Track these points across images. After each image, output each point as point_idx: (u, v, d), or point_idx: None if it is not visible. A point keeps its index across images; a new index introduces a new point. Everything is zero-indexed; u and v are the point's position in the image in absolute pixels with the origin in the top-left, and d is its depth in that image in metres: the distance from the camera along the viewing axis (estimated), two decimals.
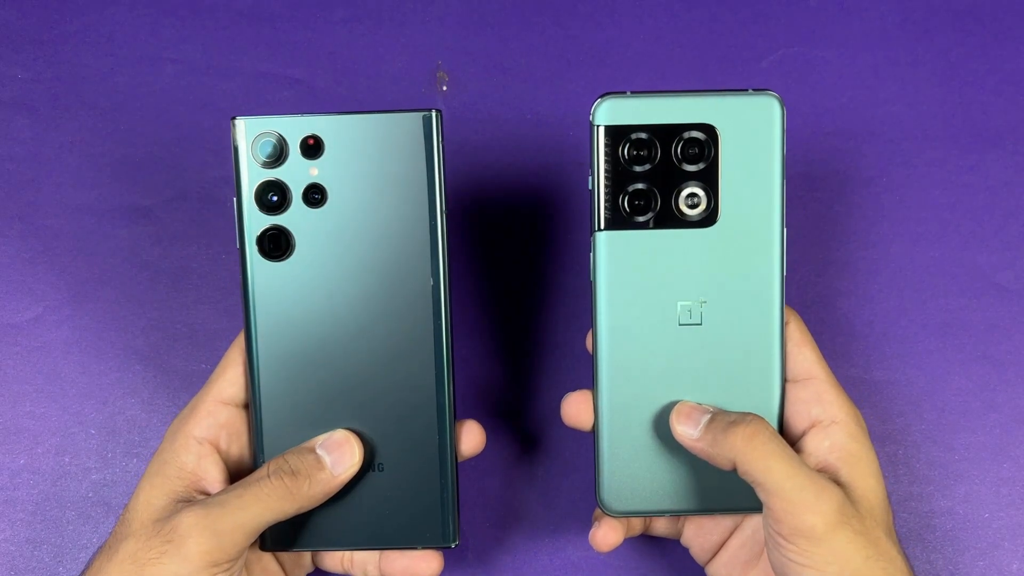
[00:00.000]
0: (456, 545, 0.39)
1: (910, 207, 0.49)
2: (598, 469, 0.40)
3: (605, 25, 0.52)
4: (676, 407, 0.39)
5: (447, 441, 0.39)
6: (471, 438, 0.40)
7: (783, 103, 0.38)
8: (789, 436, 0.40)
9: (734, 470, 0.37)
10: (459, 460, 0.40)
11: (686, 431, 0.38)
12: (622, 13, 0.52)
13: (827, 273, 0.49)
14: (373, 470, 0.39)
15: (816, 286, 0.49)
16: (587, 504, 0.47)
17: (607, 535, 0.41)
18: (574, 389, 0.40)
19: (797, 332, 0.40)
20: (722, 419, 0.37)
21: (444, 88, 0.51)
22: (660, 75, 0.51)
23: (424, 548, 0.39)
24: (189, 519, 0.35)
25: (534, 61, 0.51)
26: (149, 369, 0.48)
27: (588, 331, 0.41)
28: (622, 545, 0.47)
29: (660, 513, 0.40)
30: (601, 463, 0.40)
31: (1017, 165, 0.50)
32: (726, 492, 0.39)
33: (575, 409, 0.40)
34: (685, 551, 0.44)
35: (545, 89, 0.51)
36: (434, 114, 0.37)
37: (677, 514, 0.40)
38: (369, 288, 0.38)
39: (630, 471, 0.40)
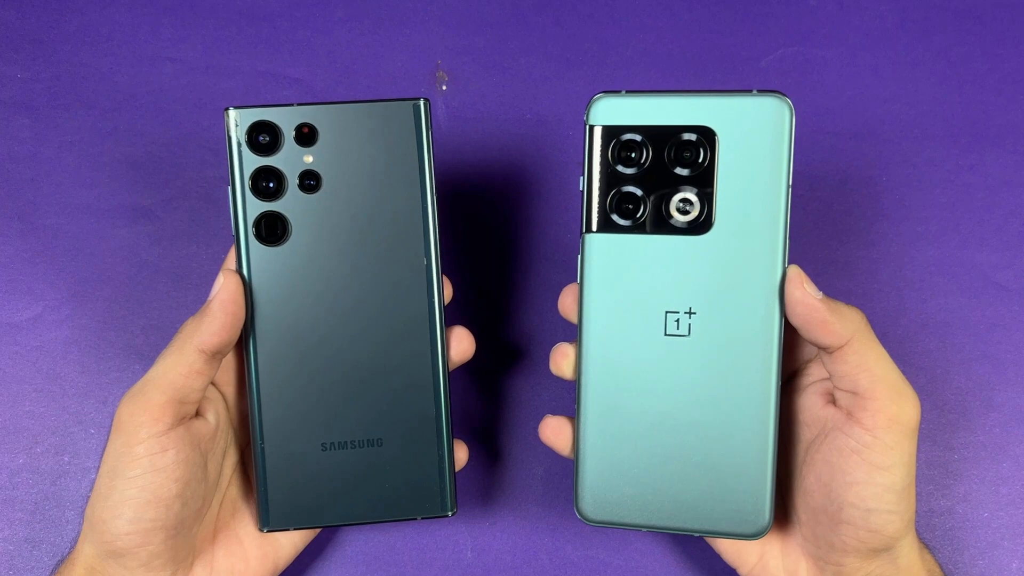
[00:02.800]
0: (454, 513, 0.40)
1: (910, 207, 0.49)
2: (577, 475, 0.39)
3: (605, 25, 0.52)
4: (791, 271, 0.36)
5: (443, 414, 0.40)
6: (460, 344, 0.41)
7: (792, 106, 0.36)
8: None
9: (823, 349, 0.36)
10: (450, 368, 0.40)
11: (811, 290, 0.36)
12: (622, 13, 0.52)
13: (827, 273, 0.49)
14: (373, 445, 0.40)
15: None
16: None
17: (555, 431, 0.40)
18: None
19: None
20: (833, 301, 0.37)
21: (444, 88, 0.51)
22: (660, 75, 0.51)
23: (423, 518, 0.40)
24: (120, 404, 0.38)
25: (534, 61, 0.51)
26: (148, 368, 0.48)
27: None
28: (622, 544, 0.47)
29: (637, 527, 0.38)
30: (580, 471, 0.39)
31: (1017, 164, 0.50)
32: (706, 513, 0.38)
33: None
34: (686, 551, 0.44)
35: (545, 89, 0.51)
36: (422, 102, 0.39)
37: (655, 530, 0.38)
38: (364, 270, 0.39)
39: (609, 481, 0.38)
